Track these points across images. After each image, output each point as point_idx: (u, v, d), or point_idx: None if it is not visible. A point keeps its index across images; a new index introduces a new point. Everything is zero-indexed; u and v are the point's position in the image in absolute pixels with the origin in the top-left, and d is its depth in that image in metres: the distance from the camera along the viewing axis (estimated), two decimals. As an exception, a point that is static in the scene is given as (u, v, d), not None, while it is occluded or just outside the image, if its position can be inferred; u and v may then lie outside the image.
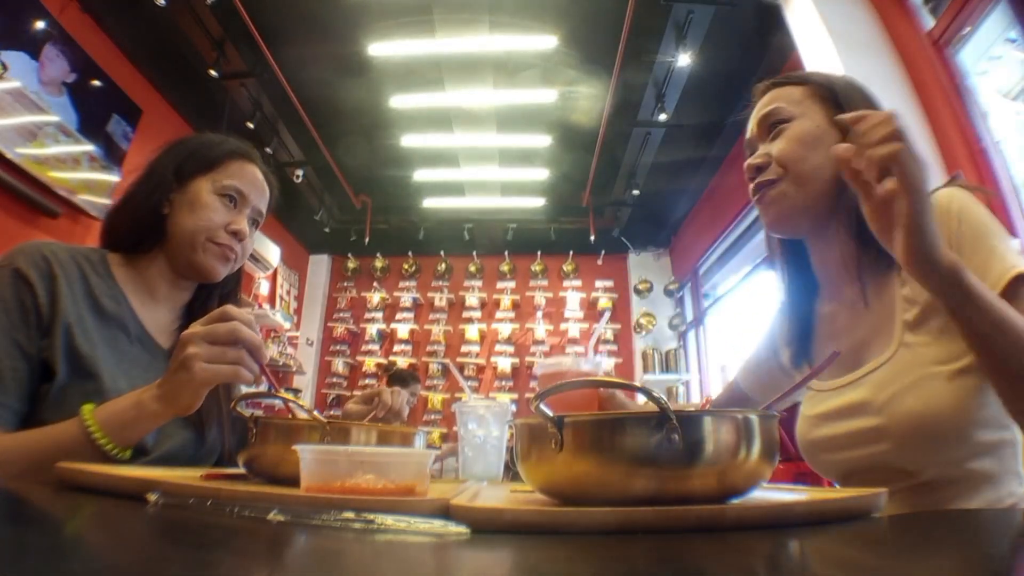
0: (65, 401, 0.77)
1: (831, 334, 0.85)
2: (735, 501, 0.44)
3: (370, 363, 6.05)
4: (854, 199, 0.75)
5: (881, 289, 0.77)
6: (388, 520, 0.39)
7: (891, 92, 2.51)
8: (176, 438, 0.88)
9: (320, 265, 6.42)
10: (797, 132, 0.79)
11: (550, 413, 0.45)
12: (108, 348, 0.84)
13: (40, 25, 2.79)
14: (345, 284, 6.35)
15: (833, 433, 0.76)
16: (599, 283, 6.10)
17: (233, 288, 1.06)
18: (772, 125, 0.82)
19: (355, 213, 5.84)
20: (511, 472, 1.50)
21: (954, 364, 0.68)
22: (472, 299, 6.20)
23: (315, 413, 0.67)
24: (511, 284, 6.24)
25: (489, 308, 6.24)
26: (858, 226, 0.76)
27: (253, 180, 0.99)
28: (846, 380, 0.78)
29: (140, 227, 0.94)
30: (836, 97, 0.80)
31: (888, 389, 0.71)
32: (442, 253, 6.27)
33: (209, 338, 0.68)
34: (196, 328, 0.69)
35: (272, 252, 4.77)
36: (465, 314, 6.18)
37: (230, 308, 0.71)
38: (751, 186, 0.83)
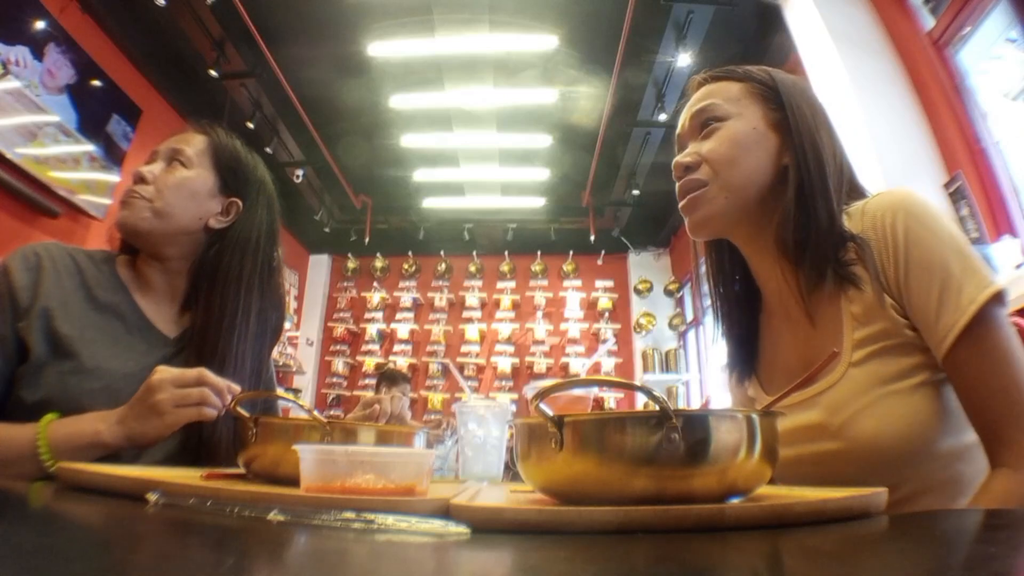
0: (41, 379, 0.79)
1: (775, 349, 0.81)
2: (735, 501, 0.44)
3: (370, 363, 6.05)
4: (787, 209, 0.72)
5: (826, 305, 0.72)
6: (388, 520, 0.38)
7: (891, 92, 2.52)
8: (171, 440, 0.88)
9: (320, 265, 6.42)
10: (730, 133, 0.74)
11: (550, 413, 0.45)
12: (97, 332, 0.86)
13: (41, 25, 2.79)
14: (345, 284, 6.35)
15: (795, 454, 0.71)
16: (599, 283, 6.10)
17: (227, 269, 0.94)
18: (705, 122, 0.77)
19: (355, 213, 5.84)
20: (511, 472, 1.50)
21: (909, 380, 0.65)
22: (472, 299, 6.20)
23: (315, 413, 0.67)
24: (511, 284, 6.24)
25: (489, 308, 6.24)
26: (788, 242, 0.72)
27: (171, 137, 0.98)
28: (794, 400, 0.70)
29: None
30: (778, 96, 0.75)
31: (843, 412, 0.67)
32: (442, 253, 6.27)
33: (177, 383, 0.73)
34: (164, 374, 0.73)
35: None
36: (465, 314, 6.18)
37: (204, 372, 0.75)
38: (677, 186, 0.78)
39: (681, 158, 0.77)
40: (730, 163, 0.74)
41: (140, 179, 0.92)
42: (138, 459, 0.82)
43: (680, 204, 0.78)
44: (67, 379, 0.79)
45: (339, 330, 6.22)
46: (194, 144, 0.97)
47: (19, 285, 0.82)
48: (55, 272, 0.85)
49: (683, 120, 0.81)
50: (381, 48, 3.67)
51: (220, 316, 0.91)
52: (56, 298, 0.83)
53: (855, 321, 0.69)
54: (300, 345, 5.96)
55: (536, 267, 6.28)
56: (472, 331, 6.11)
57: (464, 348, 6.02)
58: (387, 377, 3.50)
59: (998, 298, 0.62)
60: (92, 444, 0.72)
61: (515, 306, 6.17)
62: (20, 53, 2.67)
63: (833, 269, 0.70)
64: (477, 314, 6.18)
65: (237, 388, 0.77)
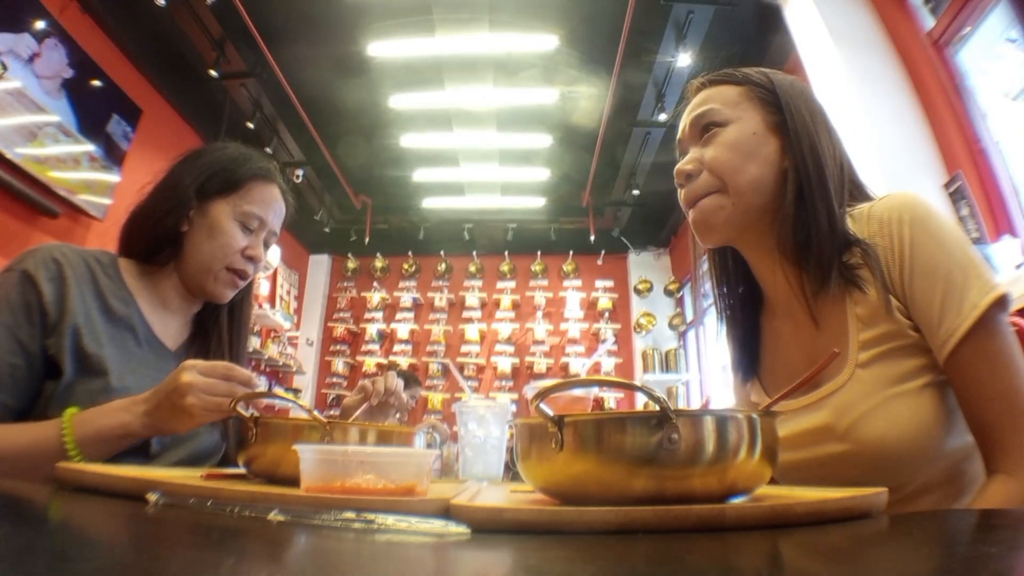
0: (71, 399, 0.78)
1: (778, 351, 0.81)
2: (735, 501, 0.44)
3: (370, 363, 6.05)
4: (788, 211, 0.72)
5: (831, 307, 0.72)
6: (388, 520, 0.38)
7: (891, 92, 2.52)
8: (205, 435, 0.91)
9: (320, 265, 6.42)
10: (732, 138, 0.74)
11: (550, 413, 0.45)
12: (116, 348, 0.85)
13: (40, 25, 2.79)
14: (345, 284, 6.35)
15: (801, 458, 0.71)
16: (599, 283, 6.10)
17: (244, 295, 1.05)
18: (705, 127, 0.76)
19: (355, 213, 5.84)
20: (511, 472, 1.50)
21: (916, 381, 0.65)
22: (472, 299, 6.20)
23: (315, 413, 0.67)
24: (511, 284, 6.23)
25: (489, 308, 6.24)
26: (792, 247, 0.72)
27: (272, 203, 1.00)
28: (801, 403, 0.71)
29: (157, 241, 0.94)
30: (777, 99, 0.75)
31: (850, 414, 0.66)
32: (442, 253, 6.26)
33: (208, 390, 0.71)
34: (194, 378, 0.70)
35: (272, 252, 4.77)
36: (465, 314, 6.18)
37: (233, 367, 0.74)
38: (681, 193, 0.78)
39: (683, 165, 0.77)
40: (733, 170, 0.73)
41: (257, 261, 0.98)
42: (158, 458, 0.84)
43: (687, 214, 0.78)
44: (97, 398, 0.77)
45: (339, 330, 6.21)
46: (280, 219, 1.03)
47: (49, 300, 0.80)
48: (77, 284, 0.83)
49: (683, 125, 0.81)
50: (381, 48, 3.67)
51: (234, 341, 1.04)
52: (82, 314, 0.82)
53: (860, 323, 0.69)
54: (300, 345, 5.95)
55: (536, 267, 6.27)
56: (472, 331, 6.11)
57: (464, 348, 6.02)
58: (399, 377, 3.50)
59: (1001, 303, 0.62)
60: (122, 436, 0.72)
61: (515, 306, 6.17)
62: (20, 50, 2.67)
63: (838, 271, 0.70)
64: (477, 314, 6.18)
65: (259, 384, 0.77)
